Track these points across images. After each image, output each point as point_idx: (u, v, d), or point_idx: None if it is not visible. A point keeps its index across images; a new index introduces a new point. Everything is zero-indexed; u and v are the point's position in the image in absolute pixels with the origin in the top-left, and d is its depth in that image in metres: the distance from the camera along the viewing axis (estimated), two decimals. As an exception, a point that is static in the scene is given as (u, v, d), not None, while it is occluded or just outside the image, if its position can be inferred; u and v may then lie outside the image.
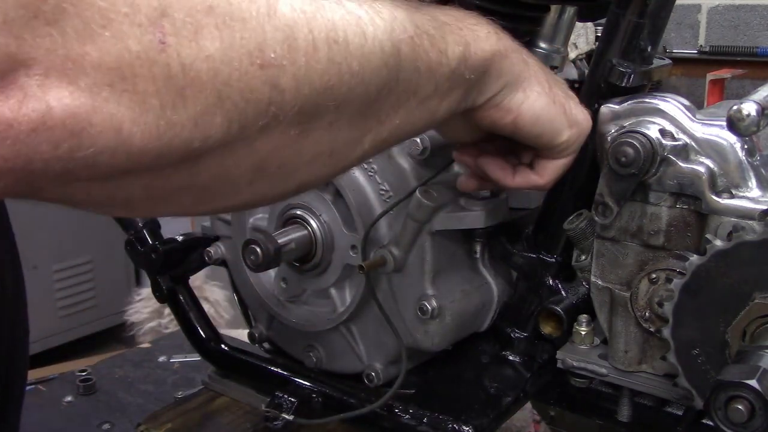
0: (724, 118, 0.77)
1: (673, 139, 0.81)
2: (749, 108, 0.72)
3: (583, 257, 0.92)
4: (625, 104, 0.86)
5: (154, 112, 0.44)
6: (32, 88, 0.40)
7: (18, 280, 1.12)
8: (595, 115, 0.88)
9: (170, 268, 1.21)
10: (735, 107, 0.73)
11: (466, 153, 0.85)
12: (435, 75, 0.62)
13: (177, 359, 1.84)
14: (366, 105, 0.57)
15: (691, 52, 3.13)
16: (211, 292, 2.70)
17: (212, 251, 1.19)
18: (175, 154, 0.46)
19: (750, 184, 0.79)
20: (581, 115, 0.79)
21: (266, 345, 1.23)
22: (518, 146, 0.81)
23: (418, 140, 0.96)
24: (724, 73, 2.90)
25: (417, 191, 0.94)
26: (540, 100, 0.73)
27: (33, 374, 2.65)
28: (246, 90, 0.47)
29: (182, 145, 0.46)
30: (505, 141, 0.81)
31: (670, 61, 0.99)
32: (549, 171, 0.81)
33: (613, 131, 0.84)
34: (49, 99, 0.40)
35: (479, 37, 0.67)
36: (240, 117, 0.47)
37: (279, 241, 1.00)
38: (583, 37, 2.48)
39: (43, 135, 0.41)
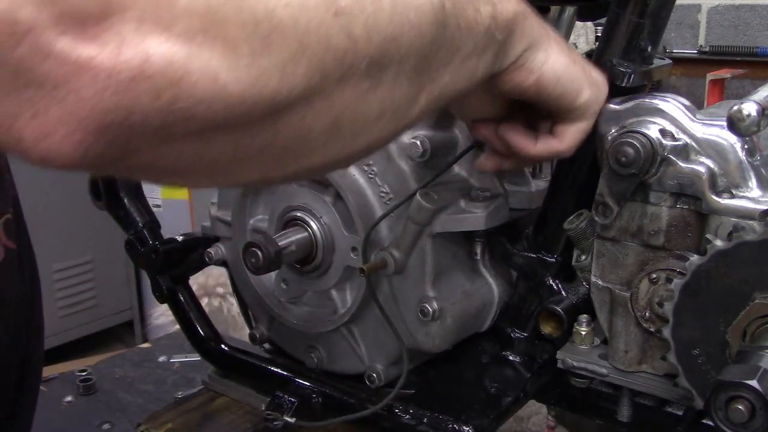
0: (725, 118, 0.77)
1: (674, 139, 0.81)
2: (749, 108, 0.72)
3: (584, 257, 0.92)
4: (626, 104, 0.86)
5: (245, 59, 0.44)
6: (129, 34, 0.39)
7: (35, 277, 1.13)
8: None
9: (170, 269, 1.22)
10: (735, 107, 0.73)
11: (485, 126, 0.84)
12: (473, 33, 0.63)
13: (177, 359, 1.84)
14: (422, 59, 0.58)
15: (691, 52, 3.13)
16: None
17: (213, 252, 1.19)
18: (264, 106, 0.46)
19: (750, 184, 0.79)
20: (600, 77, 0.80)
21: (267, 345, 1.24)
22: (536, 118, 0.82)
23: (418, 142, 0.96)
24: (724, 73, 2.90)
25: (417, 194, 0.94)
26: (560, 59, 0.74)
27: (33, 374, 2.65)
28: (324, 38, 0.47)
29: (270, 96, 0.46)
30: (522, 113, 0.81)
31: (670, 61, 0.99)
32: (569, 136, 0.82)
33: (613, 131, 0.84)
34: (147, 46, 0.40)
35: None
36: (321, 66, 0.48)
37: (280, 243, 1.00)
38: (583, 36, 2.48)
39: (144, 84, 0.40)
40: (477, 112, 0.83)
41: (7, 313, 1.02)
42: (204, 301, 2.31)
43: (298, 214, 1.06)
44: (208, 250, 1.19)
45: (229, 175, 0.54)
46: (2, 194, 1.03)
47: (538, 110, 0.81)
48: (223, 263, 1.21)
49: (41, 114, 0.40)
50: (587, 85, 0.78)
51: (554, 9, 1.07)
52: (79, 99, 0.40)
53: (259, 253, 0.97)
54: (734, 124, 0.74)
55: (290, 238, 1.03)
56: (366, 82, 0.53)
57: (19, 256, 1.05)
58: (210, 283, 2.29)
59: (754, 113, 0.72)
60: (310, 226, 1.05)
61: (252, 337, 1.21)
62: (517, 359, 1.05)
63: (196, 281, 2.28)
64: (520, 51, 0.71)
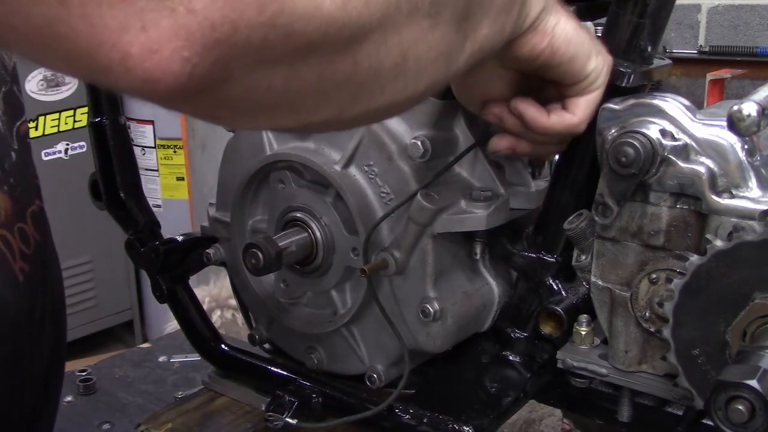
0: (725, 118, 0.77)
1: (674, 139, 0.81)
2: (749, 108, 0.72)
3: (583, 257, 0.92)
4: (626, 104, 0.86)
5: None
6: None
7: (60, 279, 1.15)
8: (595, 115, 0.88)
9: (170, 269, 1.22)
10: (735, 107, 0.73)
11: (496, 105, 0.86)
12: None
13: (177, 359, 1.84)
14: (467, 5, 0.61)
15: (691, 52, 3.13)
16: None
17: (212, 253, 1.19)
18: (351, 30, 0.49)
19: (750, 184, 0.79)
20: (603, 48, 0.82)
21: (267, 346, 1.23)
22: (546, 98, 0.85)
23: (419, 143, 0.96)
24: (724, 73, 2.89)
25: (418, 194, 0.94)
26: (570, 22, 0.77)
27: (33, 374, 2.65)
28: None
29: (356, 19, 0.49)
30: (532, 94, 0.84)
31: (670, 61, 0.99)
32: (581, 107, 0.83)
33: (613, 131, 0.84)
34: None
35: None
36: None
37: (280, 244, 1.00)
38: (583, 37, 2.48)
39: None
40: (488, 91, 0.85)
41: (39, 296, 1.05)
42: (216, 314, 2.29)
43: (298, 215, 1.06)
44: (207, 251, 1.19)
45: (309, 110, 0.56)
46: (27, 183, 1.03)
47: (548, 89, 0.83)
48: (222, 264, 1.20)
49: (151, 26, 0.40)
50: (595, 52, 0.81)
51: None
52: (189, 10, 0.40)
53: (260, 254, 0.97)
54: (734, 124, 0.74)
55: (290, 239, 1.03)
56: (426, 21, 0.56)
57: (44, 248, 1.06)
58: (223, 295, 2.29)
59: (754, 113, 0.72)
60: (311, 227, 1.05)
61: (251, 338, 1.20)
62: (517, 359, 1.05)
63: (209, 293, 2.28)
64: (536, 13, 0.73)
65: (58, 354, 1.13)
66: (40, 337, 1.05)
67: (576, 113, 0.84)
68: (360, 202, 0.99)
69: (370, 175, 1.00)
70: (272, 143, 1.08)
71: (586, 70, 0.81)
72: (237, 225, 1.14)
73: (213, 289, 2.32)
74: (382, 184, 0.99)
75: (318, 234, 1.05)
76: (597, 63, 0.81)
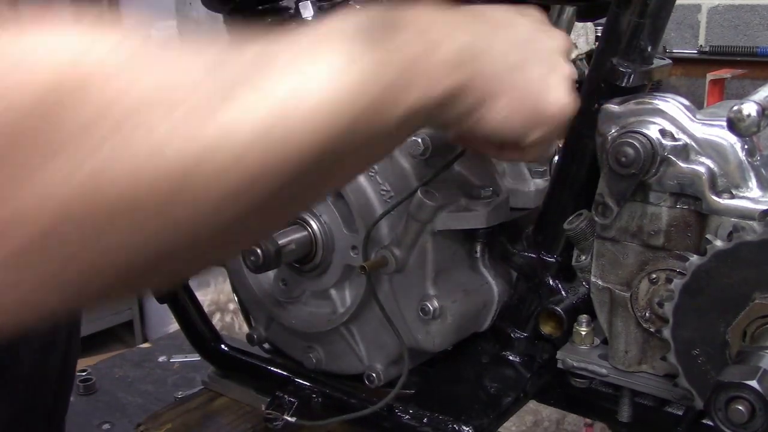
0: (725, 119, 0.77)
1: (674, 139, 0.81)
2: (749, 108, 0.72)
3: (583, 257, 0.92)
4: (626, 104, 0.86)
5: None
6: None
7: None
8: (595, 115, 0.88)
9: (170, 268, 1.21)
10: (735, 107, 0.73)
11: (457, 137, 0.85)
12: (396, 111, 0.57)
13: (177, 359, 1.84)
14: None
15: (691, 52, 3.13)
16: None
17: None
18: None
19: (750, 184, 0.79)
20: (556, 107, 0.72)
21: (266, 346, 1.23)
22: None
23: (419, 140, 0.95)
24: (724, 73, 2.90)
25: (418, 191, 0.94)
26: (502, 111, 0.68)
27: (33, 374, 2.65)
28: None
29: None
30: None
31: (671, 61, 0.99)
32: (530, 154, 0.79)
33: (613, 131, 0.84)
34: None
35: (432, 78, 0.60)
36: None
37: (279, 242, 1.00)
38: (583, 37, 2.48)
39: None
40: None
41: None
42: (216, 317, 2.29)
43: (298, 214, 1.06)
44: None
45: None
46: None
47: None
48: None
49: None
50: (535, 127, 0.72)
51: (553, 9, 1.06)
52: None
53: (259, 251, 0.97)
54: (734, 125, 0.74)
55: (290, 237, 1.03)
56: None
57: None
58: (222, 300, 2.29)
59: (754, 113, 0.72)
60: (310, 225, 1.05)
61: (250, 337, 1.20)
62: (517, 359, 1.05)
63: (209, 297, 2.28)
64: (452, 117, 0.66)
65: (71, 352, 1.13)
66: (56, 337, 1.05)
67: (525, 155, 0.80)
68: (360, 199, 0.99)
69: (370, 173, 0.99)
70: (272, 143, 1.07)
71: (524, 144, 0.75)
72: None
73: (213, 293, 2.33)
74: (382, 181, 0.99)
75: (317, 232, 1.05)
76: (537, 136, 0.73)
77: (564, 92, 0.73)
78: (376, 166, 0.99)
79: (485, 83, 0.66)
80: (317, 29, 0.54)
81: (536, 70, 0.71)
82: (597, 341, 0.93)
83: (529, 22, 0.75)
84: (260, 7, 1.11)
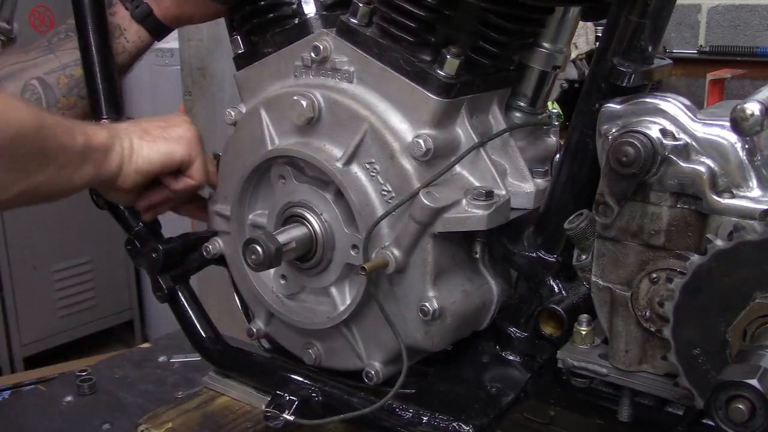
0: (725, 118, 0.77)
1: (674, 138, 0.81)
2: (753, 107, 0.73)
3: (584, 257, 0.92)
4: (626, 104, 0.86)
5: None
6: None
7: None
8: (595, 115, 0.89)
9: (170, 268, 1.21)
10: (739, 107, 0.73)
11: (144, 198, 1.16)
12: (67, 152, 0.96)
13: (177, 359, 1.84)
14: (16, 160, 0.89)
15: (691, 52, 3.13)
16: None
17: (210, 247, 1.19)
18: None
19: (751, 183, 0.79)
20: (180, 132, 1.13)
21: (264, 342, 1.23)
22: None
23: (421, 141, 0.95)
24: (724, 73, 2.89)
25: (420, 193, 0.94)
26: (143, 150, 1.08)
27: (33, 374, 2.66)
28: None
29: None
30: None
31: (671, 61, 0.99)
32: (193, 172, 1.13)
33: (613, 131, 0.84)
34: None
35: (99, 131, 1.03)
36: None
37: (280, 239, 1.00)
38: (583, 37, 2.48)
39: None
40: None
41: None
42: None
43: (299, 211, 1.06)
44: (206, 244, 1.19)
45: None
46: None
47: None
48: (220, 259, 1.20)
49: None
50: (175, 147, 1.11)
51: (558, 9, 1.07)
52: None
53: (260, 249, 0.97)
54: (738, 124, 0.74)
55: (290, 235, 1.03)
56: None
57: None
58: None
59: (757, 113, 0.73)
60: (311, 223, 1.05)
61: (249, 332, 1.20)
62: (517, 359, 1.05)
63: None
64: (116, 162, 1.05)
65: None
66: None
67: (194, 178, 1.14)
68: (361, 199, 0.99)
69: (371, 173, 0.99)
70: (274, 138, 1.08)
71: (176, 160, 1.11)
72: (237, 218, 1.14)
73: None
74: (383, 181, 0.99)
75: (318, 230, 1.05)
76: (181, 153, 1.11)
77: (183, 125, 1.14)
78: (377, 166, 0.99)
79: (128, 140, 1.07)
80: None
81: (160, 124, 1.13)
82: (597, 341, 0.93)
83: (160, 120, 1.15)
84: (262, 3, 1.11)
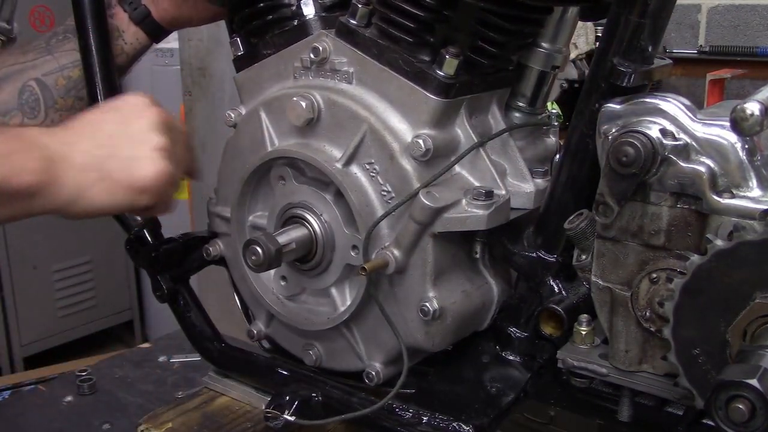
0: (725, 118, 0.77)
1: (674, 138, 0.81)
2: (753, 107, 0.73)
3: (584, 257, 0.92)
4: (626, 104, 0.86)
5: None
6: None
7: None
8: (595, 115, 0.89)
9: (170, 268, 1.21)
10: (739, 107, 0.73)
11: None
12: None
13: (177, 359, 1.84)
14: None
15: (691, 52, 3.12)
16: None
17: (211, 249, 1.19)
18: None
19: (751, 183, 0.79)
20: (147, 179, 0.91)
21: (265, 343, 1.23)
22: None
23: (421, 141, 0.96)
24: (724, 73, 2.89)
25: (419, 193, 0.94)
26: (98, 197, 0.90)
27: (33, 374, 2.66)
28: None
29: None
30: None
31: (671, 61, 0.99)
32: (160, 209, 0.97)
33: (613, 131, 0.84)
34: None
35: (24, 169, 0.84)
36: None
37: (280, 240, 1.00)
38: (583, 37, 2.48)
39: None
40: None
41: None
42: None
43: (299, 212, 1.06)
44: (206, 246, 1.19)
45: None
46: None
47: None
48: (221, 259, 1.20)
49: None
50: (137, 197, 0.92)
51: (557, 9, 1.07)
52: None
53: (260, 250, 0.97)
54: (738, 124, 0.74)
55: (290, 236, 1.03)
56: None
57: None
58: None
59: (757, 113, 0.73)
60: (311, 224, 1.05)
61: (250, 334, 1.20)
62: (517, 359, 1.05)
63: None
64: (59, 204, 0.88)
65: None
66: None
67: (159, 212, 0.98)
68: (361, 200, 0.99)
69: (371, 173, 0.99)
70: (273, 139, 1.08)
71: (140, 207, 0.93)
72: (237, 220, 1.14)
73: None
74: (383, 182, 0.99)
75: (318, 231, 1.05)
76: (144, 203, 0.92)
77: (155, 163, 0.91)
78: (377, 167, 0.99)
79: (74, 179, 0.88)
80: None
81: (125, 153, 0.91)
82: (597, 341, 0.93)
83: (118, 114, 0.95)
84: (262, 5, 1.11)
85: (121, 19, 1.26)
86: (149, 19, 1.26)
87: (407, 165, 0.97)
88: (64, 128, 0.93)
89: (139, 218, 1.19)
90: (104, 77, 1.21)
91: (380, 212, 0.98)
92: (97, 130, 0.93)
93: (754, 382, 0.66)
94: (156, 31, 1.27)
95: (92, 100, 1.21)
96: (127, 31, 1.26)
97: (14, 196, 0.85)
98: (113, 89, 1.22)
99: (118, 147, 0.92)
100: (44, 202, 0.87)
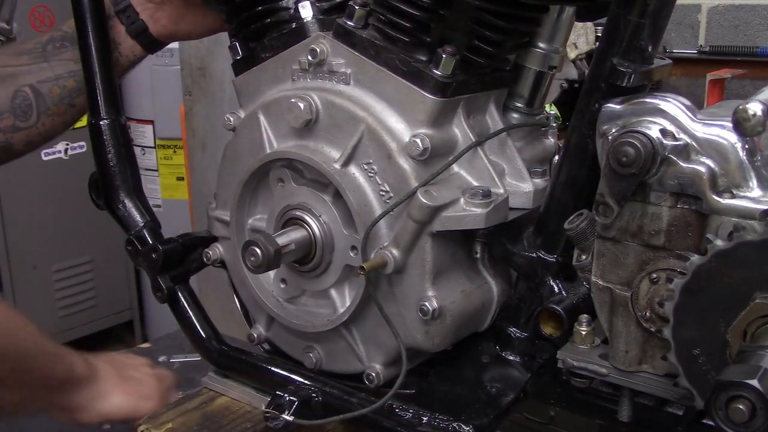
0: (725, 118, 0.77)
1: (674, 138, 0.81)
2: (755, 108, 0.72)
3: (584, 257, 0.92)
4: (626, 104, 0.86)
5: None
6: None
7: None
8: (595, 115, 0.88)
9: (170, 268, 1.21)
10: (741, 107, 0.73)
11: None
12: (45, 379, 1.10)
13: (177, 359, 1.83)
14: None
15: (691, 52, 3.12)
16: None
17: (211, 252, 1.19)
18: None
19: (751, 184, 0.79)
20: (152, 389, 1.23)
21: (265, 346, 1.23)
22: None
23: (419, 140, 0.95)
24: (724, 73, 2.89)
25: (417, 192, 0.94)
26: (115, 398, 1.17)
27: (33, 374, 2.65)
28: None
29: None
30: None
31: (671, 61, 0.99)
32: (152, 408, 1.22)
33: (613, 131, 0.84)
34: None
35: (74, 362, 1.13)
36: None
37: (279, 242, 1.00)
38: (583, 37, 2.48)
39: None
40: None
41: None
42: None
43: (297, 213, 1.06)
44: (206, 250, 1.19)
45: None
46: None
47: None
48: (221, 263, 1.20)
49: None
50: (143, 401, 1.19)
51: (553, 9, 1.07)
52: None
53: (259, 251, 0.97)
54: (740, 124, 0.74)
55: (289, 237, 1.03)
56: None
57: None
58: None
59: (759, 113, 0.73)
60: (310, 225, 1.05)
61: (250, 337, 1.20)
62: (517, 359, 1.05)
63: None
64: (84, 400, 1.13)
65: None
66: None
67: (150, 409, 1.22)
68: (359, 200, 0.99)
69: (369, 173, 0.99)
70: (272, 142, 1.08)
71: (140, 416, 1.18)
72: (236, 223, 1.14)
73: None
74: (381, 182, 0.99)
75: (317, 232, 1.05)
76: (148, 407, 1.19)
77: (152, 390, 1.23)
78: (375, 167, 0.99)
79: (103, 380, 1.16)
80: None
81: (132, 382, 1.22)
82: (597, 341, 0.93)
83: (122, 358, 1.30)
84: (259, 8, 1.11)
85: (118, 32, 1.25)
86: (146, 33, 1.25)
87: (405, 164, 0.97)
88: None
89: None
90: (104, 77, 1.21)
91: (379, 212, 0.98)
92: (113, 359, 1.25)
93: (754, 382, 0.66)
94: (153, 44, 1.27)
95: (92, 100, 1.21)
96: (124, 44, 1.26)
97: (73, 382, 1.10)
98: (113, 89, 1.22)
99: (131, 380, 1.21)
100: (80, 394, 1.11)
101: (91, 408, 1.14)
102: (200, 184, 3.11)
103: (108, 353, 1.30)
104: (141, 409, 1.19)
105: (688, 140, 0.81)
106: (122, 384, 1.19)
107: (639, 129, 0.81)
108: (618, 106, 0.86)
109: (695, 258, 0.77)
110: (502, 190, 1.00)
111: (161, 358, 1.84)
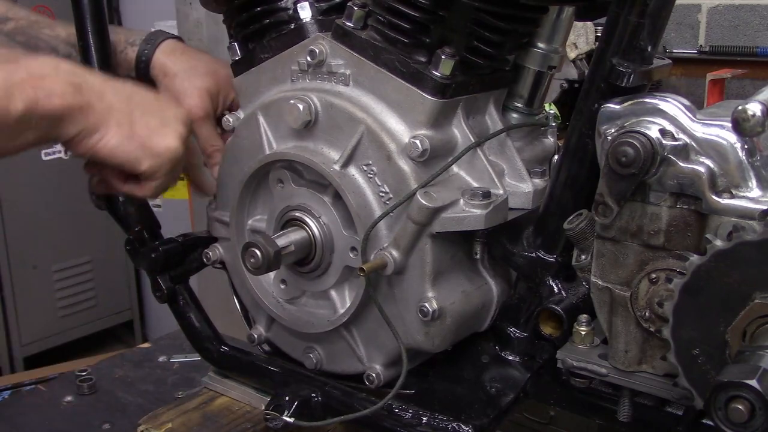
0: (725, 118, 0.77)
1: (674, 139, 0.81)
2: (755, 108, 0.72)
3: (584, 257, 0.92)
4: (626, 104, 0.86)
5: None
6: None
7: None
8: (595, 115, 0.89)
9: (170, 268, 1.21)
10: (740, 107, 0.73)
11: (92, 164, 1.08)
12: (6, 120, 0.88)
13: (177, 359, 1.84)
14: None
15: (691, 52, 3.12)
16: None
17: (210, 253, 1.19)
18: None
19: (750, 184, 0.79)
20: (163, 146, 1.01)
21: (266, 347, 1.23)
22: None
23: (418, 142, 0.96)
24: (724, 73, 2.89)
25: (417, 193, 0.94)
26: (114, 139, 0.98)
27: (33, 374, 2.66)
28: None
29: None
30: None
31: (670, 61, 0.99)
32: (146, 188, 1.05)
33: (613, 131, 0.84)
34: None
35: (53, 93, 0.91)
36: None
37: (278, 243, 1.00)
38: (583, 37, 2.47)
39: None
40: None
41: None
42: None
43: (297, 214, 1.06)
44: (206, 251, 1.19)
45: None
46: None
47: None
48: (221, 264, 1.20)
49: None
50: (146, 157, 1.00)
51: (552, 9, 1.07)
52: None
53: (258, 253, 0.97)
54: (739, 124, 0.74)
55: (289, 238, 1.03)
56: None
57: None
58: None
59: (759, 113, 0.73)
60: (309, 226, 1.05)
61: (250, 338, 1.20)
62: (517, 359, 1.05)
63: None
64: (73, 133, 0.95)
65: None
66: None
67: (142, 189, 1.05)
68: (359, 201, 0.99)
69: (368, 174, 0.99)
70: (272, 143, 1.08)
71: (139, 171, 1.01)
72: (236, 224, 1.14)
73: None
74: (380, 183, 0.99)
75: (317, 233, 1.05)
76: (149, 165, 1.01)
77: (172, 139, 1.02)
78: (374, 168, 0.99)
79: (101, 112, 0.96)
80: None
81: (151, 122, 1.01)
82: (597, 341, 0.93)
83: (159, 96, 1.09)
84: (258, 9, 1.11)
85: (129, 61, 1.27)
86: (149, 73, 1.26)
87: (404, 165, 0.97)
88: (108, 76, 1.02)
89: (123, 196, 1.19)
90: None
91: (378, 213, 0.98)
92: (137, 93, 1.03)
93: (753, 382, 0.66)
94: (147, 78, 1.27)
95: None
96: (125, 70, 1.27)
97: (43, 119, 0.90)
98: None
99: (148, 112, 1.01)
100: (69, 129, 0.94)
101: (81, 142, 0.96)
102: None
103: (138, 86, 1.05)
104: (141, 163, 1.00)
105: (688, 140, 0.81)
106: (128, 123, 0.98)
107: (638, 129, 0.81)
108: (617, 106, 0.86)
109: (695, 258, 0.77)
110: (501, 191, 1.00)
111: (161, 358, 1.84)
